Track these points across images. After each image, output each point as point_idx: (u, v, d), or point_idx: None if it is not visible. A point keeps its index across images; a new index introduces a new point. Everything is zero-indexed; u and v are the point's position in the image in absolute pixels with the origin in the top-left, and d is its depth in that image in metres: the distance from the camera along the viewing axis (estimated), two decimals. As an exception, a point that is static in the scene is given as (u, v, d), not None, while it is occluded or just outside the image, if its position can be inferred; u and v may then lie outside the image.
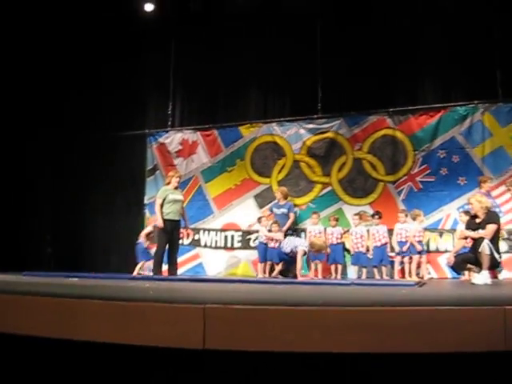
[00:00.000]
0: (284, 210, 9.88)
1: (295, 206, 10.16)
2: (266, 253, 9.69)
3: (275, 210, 9.95)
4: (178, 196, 8.82)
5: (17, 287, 4.01)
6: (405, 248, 9.18)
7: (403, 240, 9.26)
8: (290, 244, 8.78)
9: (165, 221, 8.56)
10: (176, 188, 8.88)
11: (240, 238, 10.51)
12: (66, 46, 11.51)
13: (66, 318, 3.40)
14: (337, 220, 9.80)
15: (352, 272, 9.63)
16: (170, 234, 8.57)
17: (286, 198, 9.97)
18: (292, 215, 9.86)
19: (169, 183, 8.92)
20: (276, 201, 10.12)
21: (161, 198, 8.71)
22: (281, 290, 4.68)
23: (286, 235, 9.41)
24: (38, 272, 8.42)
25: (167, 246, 8.58)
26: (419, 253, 9.13)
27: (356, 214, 9.72)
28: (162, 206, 8.65)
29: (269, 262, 9.71)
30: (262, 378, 2.99)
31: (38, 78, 11.33)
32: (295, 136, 10.53)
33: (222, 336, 2.85)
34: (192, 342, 2.86)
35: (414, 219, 9.25)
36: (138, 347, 3.09)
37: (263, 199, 10.49)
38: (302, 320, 2.91)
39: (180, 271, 9.74)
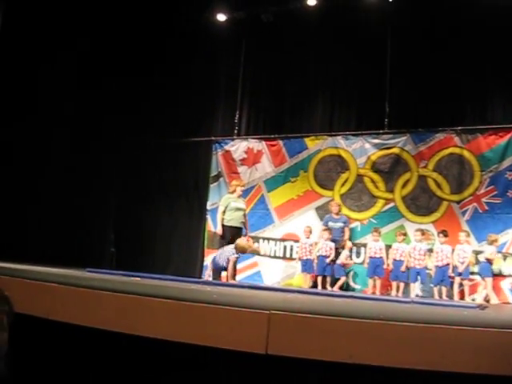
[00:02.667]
0: (340, 224, 9.96)
1: (356, 220, 10.20)
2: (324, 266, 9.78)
3: (331, 224, 9.98)
4: (240, 204, 8.97)
5: (82, 282, 4.15)
6: (461, 269, 9.05)
7: (461, 260, 9.09)
8: (223, 256, 8.35)
9: (226, 227, 8.73)
10: (239, 196, 9.03)
11: (298, 249, 10.51)
12: (137, 53, 11.81)
13: (129, 314, 3.51)
14: (404, 235, 9.69)
15: (414, 290, 9.49)
16: (231, 240, 8.70)
17: (340, 211, 10.07)
18: (347, 229, 9.94)
19: (233, 191, 9.09)
20: (329, 215, 10.16)
21: (223, 205, 8.93)
22: (341, 303, 4.69)
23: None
24: (101, 269, 8.64)
25: None
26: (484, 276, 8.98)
27: (418, 230, 9.58)
28: (224, 213, 8.83)
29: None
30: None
31: (109, 83, 11.66)
32: (360, 150, 10.48)
33: (285, 343, 2.89)
34: (255, 346, 2.92)
35: (490, 244, 9.00)
36: (200, 347, 3.16)
37: (325, 212, 10.43)
38: (363, 333, 2.93)
39: (238, 278, 9.83)
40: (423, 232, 9.56)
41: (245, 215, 9.10)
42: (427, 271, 9.38)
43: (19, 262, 6.58)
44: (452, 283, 9.16)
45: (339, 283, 9.73)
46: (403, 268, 9.45)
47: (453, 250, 9.22)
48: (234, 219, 8.81)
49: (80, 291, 3.79)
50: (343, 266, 9.82)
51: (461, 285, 9.14)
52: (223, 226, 8.83)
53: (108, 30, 11.46)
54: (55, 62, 10.70)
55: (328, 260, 9.79)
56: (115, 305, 3.59)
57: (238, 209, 8.89)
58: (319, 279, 9.78)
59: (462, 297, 9.07)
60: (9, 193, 9.83)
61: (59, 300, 3.80)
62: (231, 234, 8.75)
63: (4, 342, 1.63)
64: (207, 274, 9.22)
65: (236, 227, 8.83)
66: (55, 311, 3.73)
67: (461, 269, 9.04)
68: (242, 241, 8.73)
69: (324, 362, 2.88)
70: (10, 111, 9.89)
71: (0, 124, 9.42)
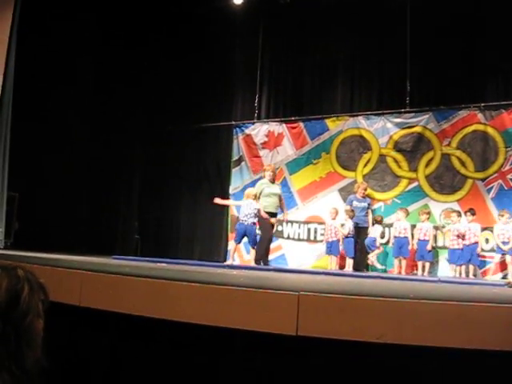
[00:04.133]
0: (365, 205, 9.97)
1: (380, 200, 10.16)
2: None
3: (356, 203, 9.95)
4: (274, 189, 8.94)
5: (111, 268, 4.18)
6: (506, 248, 8.92)
7: (506, 240, 8.95)
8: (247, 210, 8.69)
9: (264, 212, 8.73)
10: (273, 181, 8.97)
11: (323, 231, 10.50)
12: (154, 40, 11.83)
13: (158, 299, 3.53)
14: (428, 214, 9.61)
15: (441, 269, 9.45)
16: (270, 225, 8.80)
17: (365, 191, 10.07)
18: (370, 211, 10.01)
19: (264, 177, 9.09)
20: (353, 195, 10.14)
21: (257, 191, 8.88)
22: (370, 283, 4.69)
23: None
24: (127, 256, 8.74)
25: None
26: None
27: (454, 212, 9.49)
28: (259, 199, 8.82)
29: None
30: (354, 367, 3.01)
31: (129, 71, 11.68)
32: (382, 130, 10.39)
33: (315, 324, 2.89)
34: (285, 328, 2.92)
35: None
36: (230, 330, 3.18)
37: (348, 193, 10.40)
38: (393, 312, 2.91)
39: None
40: (459, 213, 9.45)
41: (281, 198, 9.07)
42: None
43: (45, 251, 6.67)
44: (481, 262, 9.10)
45: (375, 253, 9.82)
46: (429, 247, 9.41)
47: (482, 229, 9.16)
48: (269, 205, 8.79)
49: (110, 278, 3.82)
50: (374, 240, 9.85)
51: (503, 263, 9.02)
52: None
53: (123, 17, 11.47)
54: (75, 53, 10.73)
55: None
56: (145, 290, 3.62)
57: (273, 194, 8.86)
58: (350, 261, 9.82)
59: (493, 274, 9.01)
60: (36, 183, 9.93)
61: (90, 287, 3.84)
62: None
63: (41, 330, 1.65)
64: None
65: (272, 213, 8.81)
66: (86, 298, 3.77)
67: (505, 248, 8.90)
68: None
69: (354, 342, 2.87)
70: (33, 101, 9.95)
71: (24, 113, 9.48)
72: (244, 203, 8.98)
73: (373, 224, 9.98)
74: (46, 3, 9.89)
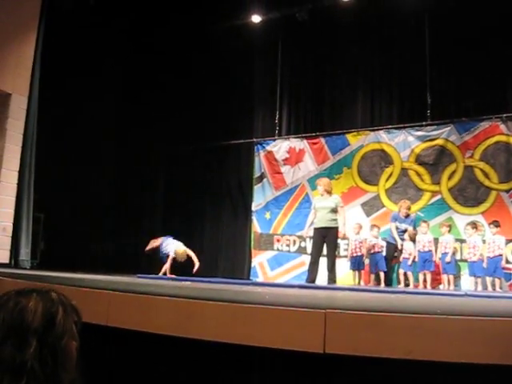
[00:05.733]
0: (406, 226, 9.71)
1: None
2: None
3: (398, 224, 9.74)
4: (324, 203, 8.74)
5: (138, 287, 4.21)
6: None
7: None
8: (170, 247, 9.64)
9: (315, 230, 8.69)
10: (327, 194, 8.87)
11: (346, 247, 10.44)
12: (176, 59, 11.99)
13: (185, 318, 3.54)
14: (448, 227, 9.51)
15: (465, 283, 9.34)
16: (321, 241, 8.59)
17: (409, 210, 9.78)
18: (411, 229, 9.70)
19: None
20: (398, 213, 9.87)
21: (313, 208, 8.88)
22: (397, 299, 4.66)
23: None
24: (151, 275, 8.78)
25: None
26: None
27: (468, 224, 9.39)
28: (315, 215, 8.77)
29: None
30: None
31: (152, 92, 11.83)
32: (403, 143, 10.34)
33: (342, 341, 2.88)
34: (313, 345, 2.91)
35: None
36: (257, 349, 3.17)
37: (370, 207, 10.38)
38: (421, 328, 2.89)
39: (286, 278, 9.86)
40: (475, 225, 9.36)
41: (334, 210, 8.66)
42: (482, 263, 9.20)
43: (70, 271, 6.72)
44: (506, 275, 8.97)
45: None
46: (448, 259, 9.27)
47: (506, 241, 9.03)
48: (321, 220, 8.61)
49: (136, 297, 3.84)
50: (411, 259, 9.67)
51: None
52: (314, 228, 8.74)
53: (145, 40, 11.64)
54: (99, 75, 10.91)
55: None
56: (171, 309, 3.63)
57: (322, 208, 8.68)
58: (376, 276, 9.74)
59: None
60: (60, 204, 10.05)
61: (117, 307, 3.86)
62: (321, 235, 8.60)
63: (75, 351, 1.67)
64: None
65: (325, 227, 8.57)
66: (114, 318, 3.79)
67: None
68: (179, 251, 9.65)
69: (383, 359, 2.85)
70: (57, 123, 10.11)
71: (49, 135, 9.62)
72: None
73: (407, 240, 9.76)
74: (67, 27, 10.08)
